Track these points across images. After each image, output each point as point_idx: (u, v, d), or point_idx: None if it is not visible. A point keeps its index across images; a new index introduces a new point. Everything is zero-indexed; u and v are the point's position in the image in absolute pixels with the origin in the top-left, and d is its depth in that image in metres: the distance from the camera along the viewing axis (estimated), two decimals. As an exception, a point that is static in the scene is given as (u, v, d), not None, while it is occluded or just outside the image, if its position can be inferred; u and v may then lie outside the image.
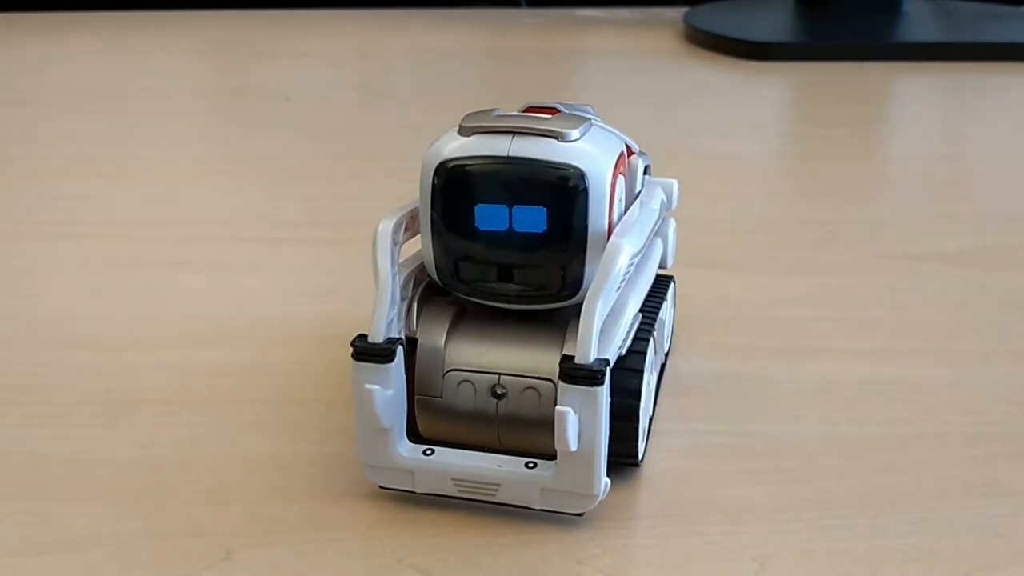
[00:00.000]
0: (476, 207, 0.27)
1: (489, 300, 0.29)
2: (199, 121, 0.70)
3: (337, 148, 0.62)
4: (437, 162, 0.28)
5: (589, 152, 0.27)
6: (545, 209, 0.27)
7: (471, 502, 0.29)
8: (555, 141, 0.27)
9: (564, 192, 0.27)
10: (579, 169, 0.27)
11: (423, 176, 0.28)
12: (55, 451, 0.32)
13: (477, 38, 0.91)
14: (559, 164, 0.27)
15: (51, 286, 0.44)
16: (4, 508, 0.30)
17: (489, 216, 0.27)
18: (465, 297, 0.29)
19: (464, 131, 0.28)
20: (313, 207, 0.53)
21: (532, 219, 0.27)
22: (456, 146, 0.28)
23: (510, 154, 0.27)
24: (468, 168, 0.27)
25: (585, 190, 0.27)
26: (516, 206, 0.27)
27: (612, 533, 0.29)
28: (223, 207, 0.53)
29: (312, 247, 0.48)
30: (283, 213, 0.52)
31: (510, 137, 0.27)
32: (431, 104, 0.71)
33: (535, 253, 0.27)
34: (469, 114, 0.29)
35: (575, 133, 0.27)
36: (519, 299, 0.28)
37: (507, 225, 0.27)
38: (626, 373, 0.29)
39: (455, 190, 0.27)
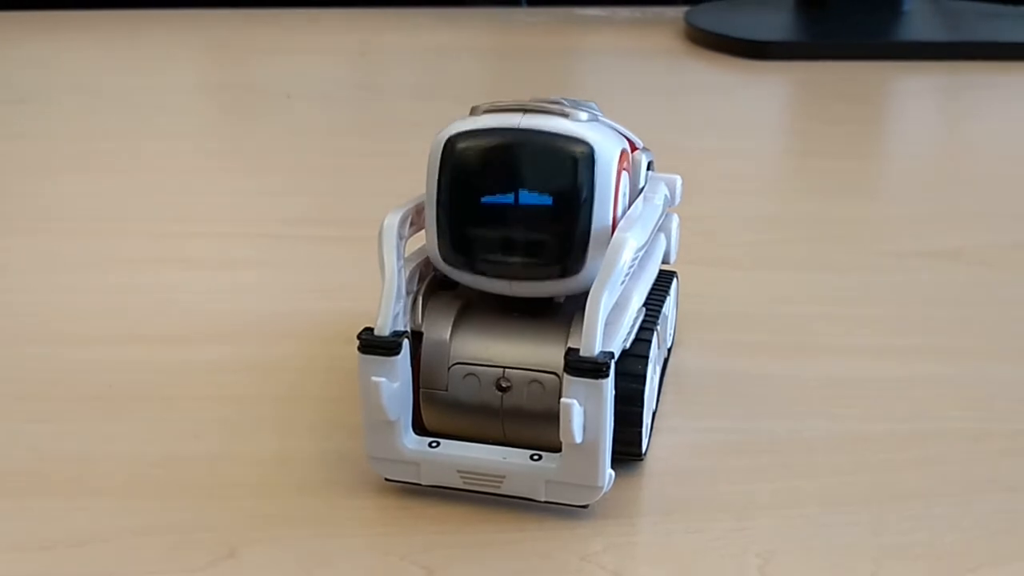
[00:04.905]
0: (485, 177, 0.27)
1: (492, 277, 0.28)
2: (201, 119, 0.70)
3: (338, 145, 0.62)
4: (448, 135, 0.28)
5: (597, 133, 0.28)
6: (553, 177, 0.27)
7: (475, 495, 0.29)
8: (564, 119, 0.28)
9: (573, 161, 0.27)
10: (588, 142, 0.27)
11: (432, 153, 0.28)
12: (58, 447, 0.32)
13: (478, 37, 0.91)
14: (569, 135, 0.27)
15: (53, 283, 0.44)
16: (7, 504, 0.30)
17: (497, 185, 0.28)
18: (469, 285, 0.29)
19: (475, 111, 0.29)
20: (314, 204, 0.53)
21: (540, 187, 0.27)
22: (467, 121, 0.28)
23: (521, 126, 0.28)
24: (479, 138, 0.28)
25: (592, 161, 0.27)
26: (525, 175, 0.27)
27: (615, 529, 0.29)
28: (225, 204, 0.53)
29: (314, 244, 0.48)
30: (285, 210, 0.52)
31: (520, 114, 0.28)
32: (432, 102, 0.71)
33: (541, 221, 0.27)
34: (475, 107, 0.29)
35: (583, 115, 0.28)
36: (523, 273, 0.28)
37: (513, 198, 0.27)
38: (631, 359, 0.29)
39: (465, 160, 0.28)
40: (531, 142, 0.27)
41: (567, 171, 0.27)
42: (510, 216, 0.27)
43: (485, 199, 0.28)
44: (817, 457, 0.32)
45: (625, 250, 0.27)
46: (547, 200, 0.27)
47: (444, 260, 0.29)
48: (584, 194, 0.27)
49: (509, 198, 0.27)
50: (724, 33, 0.83)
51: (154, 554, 0.28)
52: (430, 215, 0.28)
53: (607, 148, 0.28)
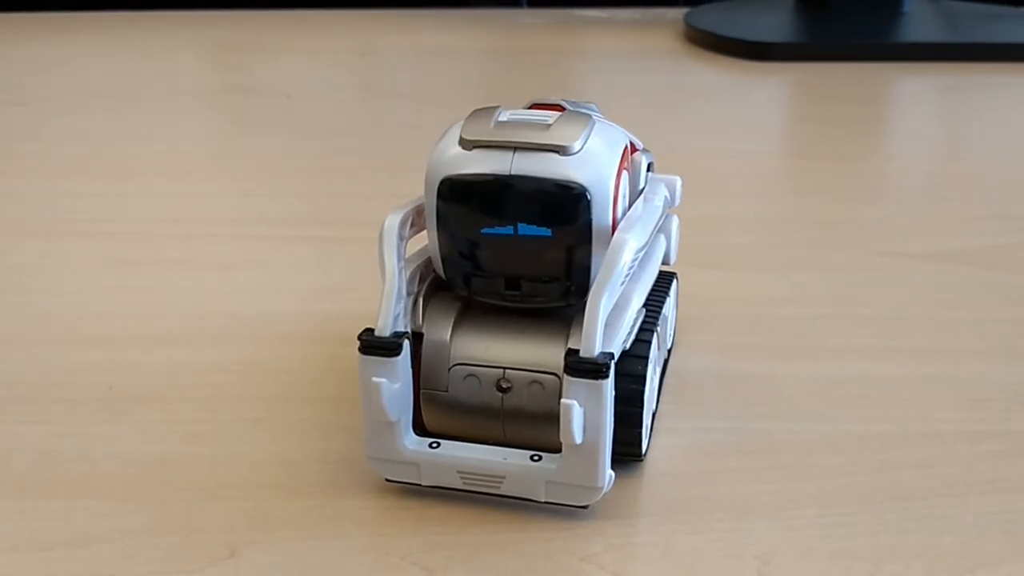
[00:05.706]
0: (480, 226, 0.27)
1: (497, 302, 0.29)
2: (201, 120, 0.70)
3: (338, 146, 0.62)
4: (440, 178, 0.28)
5: (591, 163, 0.27)
6: (548, 226, 0.27)
7: (475, 496, 0.29)
8: (556, 155, 0.27)
9: (567, 209, 0.27)
10: (582, 186, 0.27)
11: (428, 185, 0.28)
12: (57, 448, 0.32)
13: (478, 38, 0.91)
14: (562, 181, 0.27)
15: (53, 284, 0.44)
16: (6, 505, 0.30)
17: (493, 232, 0.27)
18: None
19: (465, 144, 0.28)
20: (314, 205, 0.53)
21: (536, 234, 0.27)
22: (458, 162, 0.27)
23: (512, 172, 0.27)
24: (471, 187, 0.27)
25: (588, 204, 0.27)
26: (520, 222, 0.27)
27: (615, 530, 0.29)
28: (224, 205, 0.53)
29: (313, 245, 0.48)
30: (284, 211, 0.52)
31: (511, 153, 0.27)
32: (432, 103, 0.71)
33: (540, 264, 0.28)
34: (474, 112, 0.29)
35: (576, 144, 0.27)
36: (526, 305, 0.29)
37: (512, 236, 0.27)
38: (631, 359, 0.29)
39: (459, 208, 0.28)
40: (525, 192, 0.27)
41: (562, 219, 0.27)
42: (509, 256, 0.28)
43: (482, 245, 0.28)
44: (816, 458, 0.32)
45: (625, 251, 0.27)
46: (544, 247, 0.27)
47: (446, 278, 0.29)
48: (581, 238, 0.27)
49: (508, 239, 0.27)
50: (724, 34, 0.83)
51: (154, 554, 0.28)
52: (431, 241, 0.29)
53: (602, 176, 0.27)
